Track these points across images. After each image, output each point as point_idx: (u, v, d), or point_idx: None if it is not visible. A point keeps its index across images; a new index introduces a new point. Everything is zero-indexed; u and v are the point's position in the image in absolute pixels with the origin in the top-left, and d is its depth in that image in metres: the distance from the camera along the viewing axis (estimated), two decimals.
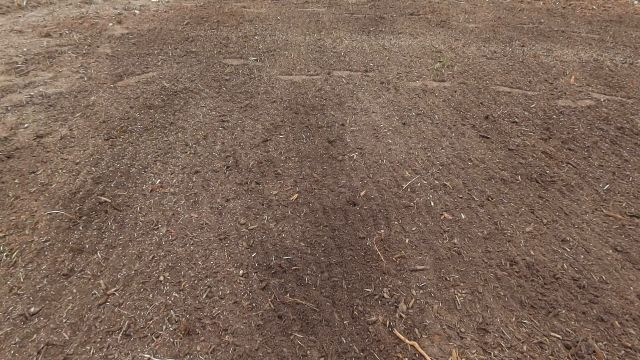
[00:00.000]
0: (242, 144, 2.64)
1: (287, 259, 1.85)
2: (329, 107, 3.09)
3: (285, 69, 3.69)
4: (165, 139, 2.68)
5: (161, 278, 1.76)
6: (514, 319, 1.64)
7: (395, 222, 2.08)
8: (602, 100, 3.40)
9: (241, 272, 1.79)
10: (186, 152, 2.55)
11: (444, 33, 4.74)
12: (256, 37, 4.40)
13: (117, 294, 1.69)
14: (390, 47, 4.25)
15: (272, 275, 1.77)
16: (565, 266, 1.89)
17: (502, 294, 1.75)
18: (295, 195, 2.22)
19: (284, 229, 2.01)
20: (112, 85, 3.34)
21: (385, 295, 1.70)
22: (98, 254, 1.86)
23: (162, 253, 1.87)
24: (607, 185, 2.43)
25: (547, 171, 2.52)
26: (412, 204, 2.21)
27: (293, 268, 1.80)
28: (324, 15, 5.19)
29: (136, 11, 5.14)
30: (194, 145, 2.62)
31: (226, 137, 2.70)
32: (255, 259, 1.85)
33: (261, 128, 2.81)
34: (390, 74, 3.65)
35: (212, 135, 2.73)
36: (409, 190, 2.30)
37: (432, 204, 2.22)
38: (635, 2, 6.31)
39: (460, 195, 2.29)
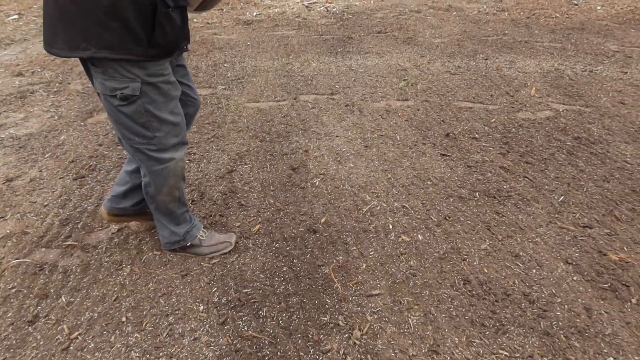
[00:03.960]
0: (207, 176, 2.70)
1: (246, 292, 1.90)
2: (294, 133, 3.16)
3: (252, 97, 3.76)
4: None
5: (123, 319, 1.80)
6: (464, 339, 1.70)
7: (354, 248, 2.14)
8: (560, 110, 3.50)
9: (202, 308, 1.84)
10: None
11: (410, 50, 4.85)
12: (225, 65, 4.48)
13: (80, 338, 1.73)
14: (357, 68, 4.35)
15: (231, 309, 1.82)
16: (516, 282, 1.96)
17: (454, 314, 1.81)
18: (257, 227, 2.28)
19: (245, 262, 2.07)
20: (82, 123, 3.39)
21: (340, 322, 1.76)
22: (62, 298, 1.90)
23: (126, 293, 1.92)
24: (562, 197, 2.52)
25: (505, 186, 2.61)
26: (371, 228, 2.27)
27: (252, 301, 1.86)
28: (293, 38, 5.29)
29: None
30: None
31: (192, 170, 2.76)
32: (216, 294, 1.90)
33: (227, 159, 2.88)
34: (355, 95, 3.74)
35: None
36: (368, 214, 2.37)
37: (391, 226, 2.28)
38: (598, 8, 6.48)
39: (419, 216, 2.36)
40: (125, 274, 2.02)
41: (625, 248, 2.16)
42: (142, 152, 1.73)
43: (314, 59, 4.60)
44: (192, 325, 1.76)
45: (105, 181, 2.68)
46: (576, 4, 6.69)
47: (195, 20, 6.18)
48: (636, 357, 1.63)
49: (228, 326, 1.75)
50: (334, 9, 6.57)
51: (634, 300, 1.87)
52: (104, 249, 2.17)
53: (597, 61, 4.52)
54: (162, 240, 2.07)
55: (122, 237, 2.24)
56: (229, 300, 1.87)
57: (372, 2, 7.01)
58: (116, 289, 1.95)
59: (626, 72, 4.23)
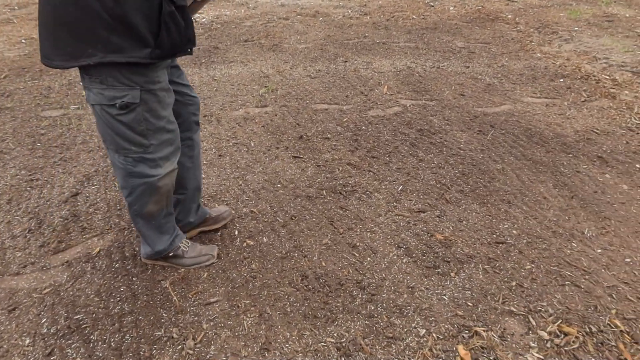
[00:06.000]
0: (49, 202, 2.56)
1: (77, 318, 1.83)
2: None
3: None
4: None
5: None
6: (295, 333, 1.78)
7: None
8: (408, 105, 3.76)
9: (27, 341, 1.75)
10: None
11: (275, 57, 4.95)
12: (81, 83, 4.27)
13: None
14: (220, 78, 4.35)
15: (60, 338, 1.75)
16: (351, 271, 2.08)
17: (288, 310, 1.88)
18: (98, 249, 2.21)
19: (80, 287, 1.99)
20: None
21: (174, 335, 1.76)
22: None
23: None
24: (401, 187, 2.71)
25: (350, 182, 2.75)
26: (216, 236, 2.29)
27: (83, 326, 1.80)
28: None
29: None
30: None
31: (33, 197, 2.61)
32: (45, 324, 1.82)
33: (73, 181, 2.75)
34: (215, 105, 3.75)
35: (17, 197, 2.62)
36: None
37: (237, 232, 2.32)
38: (451, 9, 7.04)
39: (266, 219, 2.42)
40: None
41: (450, 227, 2.38)
42: (135, 163, 1.71)
43: None
44: None
45: None
46: (432, 6, 7.21)
47: None
48: (447, 325, 1.80)
49: (54, 356, 1.68)
50: (203, 20, 6.52)
51: (452, 274, 2.07)
52: None
53: (445, 57, 4.91)
54: (145, 250, 2.03)
55: None
56: (58, 329, 1.79)
57: (242, 11, 7.05)
58: None
59: (468, 67, 4.63)
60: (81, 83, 1.60)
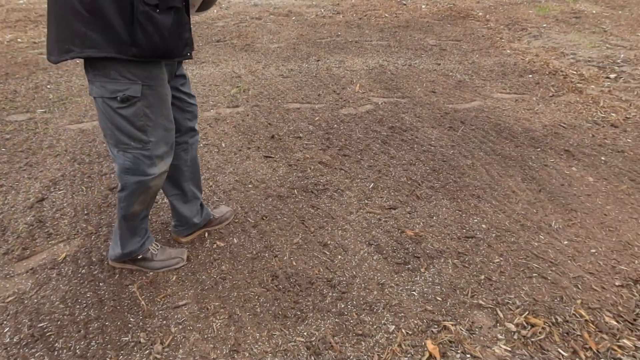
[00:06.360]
0: (13, 209, 2.50)
1: (41, 326, 1.79)
2: None
3: (75, 117, 3.57)
4: None
5: None
6: (265, 333, 1.77)
7: None
8: (380, 103, 3.78)
9: None
10: None
11: (247, 57, 4.92)
12: (49, 87, 4.19)
13: None
14: (191, 78, 4.31)
15: (23, 347, 1.71)
16: (321, 270, 2.08)
17: (258, 310, 1.87)
18: (64, 255, 2.16)
19: (45, 294, 1.95)
20: None
21: (142, 340, 1.73)
22: None
23: None
24: (372, 184, 2.72)
25: (322, 180, 2.75)
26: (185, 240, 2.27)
27: (47, 334, 1.76)
28: None
29: None
30: None
31: None
32: (7, 334, 1.77)
33: (39, 186, 2.69)
34: None
35: None
36: None
37: (206, 234, 2.30)
38: (423, 7, 7.10)
39: (236, 220, 2.40)
40: None
41: (421, 223, 2.39)
42: (133, 159, 1.72)
43: None
44: None
45: None
46: (405, 4, 7.26)
47: (19, 40, 5.70)
48: (416, 320, 1.81)
49: None
50: None
51: (422, 270, 2.08)
52: None
53: (416, 55, 4.95)
54: (114, 252, 2.00)
55: None
56: (22, 338, 1.75)
57: (215, 11, 7.00)
58: None
59: (439, 64, 4.68)
60: (86, 77, 1.62)
